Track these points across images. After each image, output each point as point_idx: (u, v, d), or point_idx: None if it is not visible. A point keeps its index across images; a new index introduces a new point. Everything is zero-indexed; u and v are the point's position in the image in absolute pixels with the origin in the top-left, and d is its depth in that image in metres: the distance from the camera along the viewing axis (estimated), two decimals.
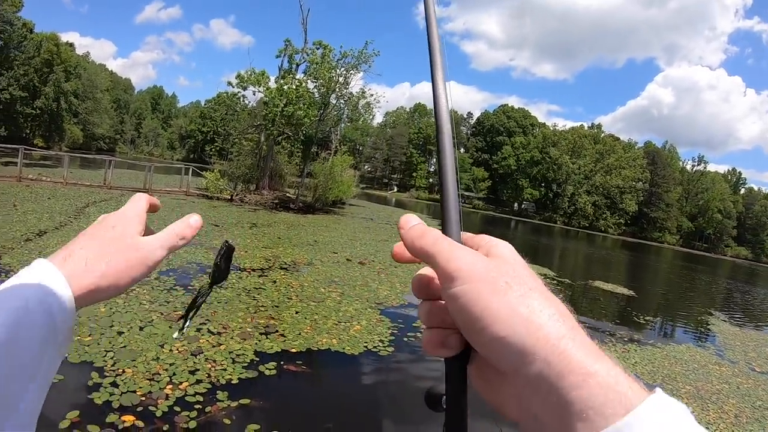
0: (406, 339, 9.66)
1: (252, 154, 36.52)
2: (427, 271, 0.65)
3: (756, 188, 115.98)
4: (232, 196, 32.57)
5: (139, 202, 0.84)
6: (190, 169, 33.64)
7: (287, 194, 35.95)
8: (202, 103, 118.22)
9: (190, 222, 0.84)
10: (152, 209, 0.87)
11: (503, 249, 0.60)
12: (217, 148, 61.88)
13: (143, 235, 0.80)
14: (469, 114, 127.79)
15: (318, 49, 34.82)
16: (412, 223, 0.65)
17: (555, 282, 20.64)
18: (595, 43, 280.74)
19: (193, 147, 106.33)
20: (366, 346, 8.86)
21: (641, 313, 17.21)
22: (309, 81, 35.23)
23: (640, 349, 11.95)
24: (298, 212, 32.00)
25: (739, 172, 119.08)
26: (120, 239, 0.77)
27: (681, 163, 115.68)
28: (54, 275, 0.68)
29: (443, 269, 0.56)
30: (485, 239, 0.64)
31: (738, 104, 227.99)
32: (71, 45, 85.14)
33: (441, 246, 0.58)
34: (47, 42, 68.88)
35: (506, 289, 0.52)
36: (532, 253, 34.22)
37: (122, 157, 75.80)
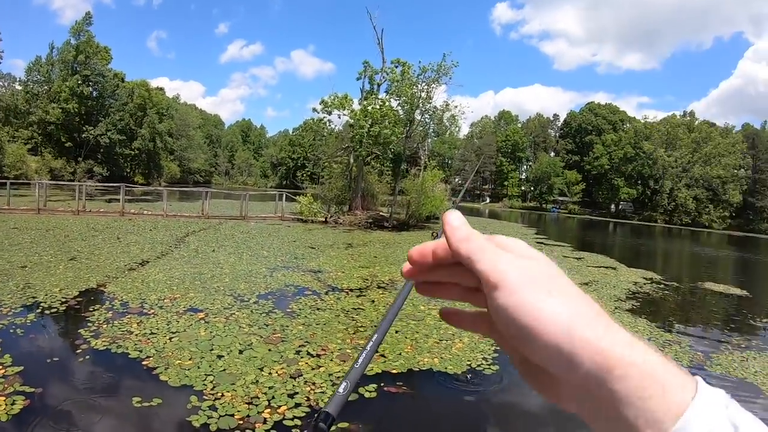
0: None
1: (342, 176, 37.02)
2: (438, 246, 0.63)
3: None
4: (326, 218, 33.03)
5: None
6: (284, 195, 34.45)
7: (380, 213, 36.13)
8: (290, 132, 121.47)
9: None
10: None
11: (529, 250, 0.60)
12: (308, 173, 63.15)
13: None
14: (555, 116, 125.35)
15: (397, 67, 35.07)
16: (456, 223, 0.61)
17: (662, 285, 19.67)
18: (677, 26, 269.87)
19: (285, 174, 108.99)
20: (469, 365, 8.63)
21: (757, 314, 15.88)
22: (392, 99, 35.53)
23: (760, 356, 10.90)
24: (393, 230, 32.10)
25: None
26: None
27: None
28: None
29: (488, 276, 0.55)
30: (502, 240, 0.62)
31: None
32: (161, 89, 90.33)
33: (486, 252, 0.58)
34: (138, 88, 73.69)
35: (549, 298, 0.53)
36: (635, 257, 33.08)
37: (218, 188, 78.61)
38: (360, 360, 0.55)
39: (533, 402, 7.63)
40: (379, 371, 8.02)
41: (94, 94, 67.00)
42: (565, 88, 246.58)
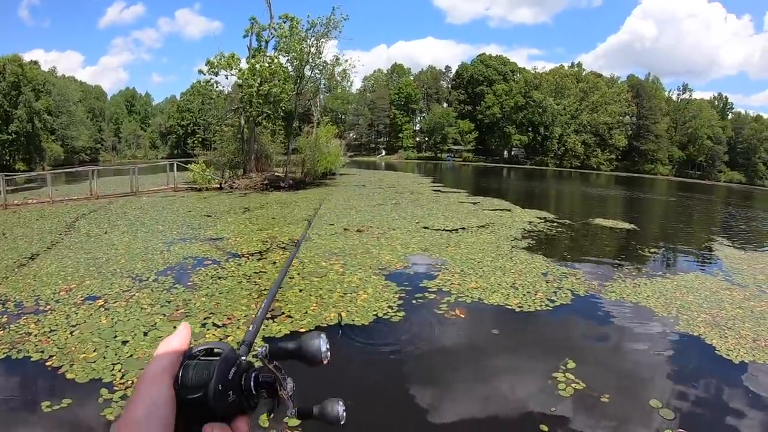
0: (414, 302, 9.48)
1: (234, 140, 36.10)
2: None
3: (744, 112, 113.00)
4: (220, 184, 32.25)
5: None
6: (174, 165, 33.35)
7: (276, 174, 35.51)
8: (178, 97, 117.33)
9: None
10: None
11: None
12: (200, 140, 61.36)
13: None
14: (447, 68, 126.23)
15: (285, 22, 34.16)
16: None
17: (555, 224, 20.46)
18: None
19: (175, 142, 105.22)
20: (375, 315, 8.66)
21: (645, 245, 17.07)
22: (280, 56, 34.73)
23: (650, 282, 11.79)
24: (290, 190, 31.71)
25: (726, 97, 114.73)
26: None
27: (666, 93, 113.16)
28: None
29: None
30: None
31: (719, 31, 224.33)
32: (36, 63, 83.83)
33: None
34: (10, 64, 67.73)
35: None
36: (529, 199, 34.09)
37: (106, 164, 75.37)
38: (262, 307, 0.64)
39: (442, 345, 7.68)
40: (287, 331, 7.94)
41: None
42: (458, 41, 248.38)
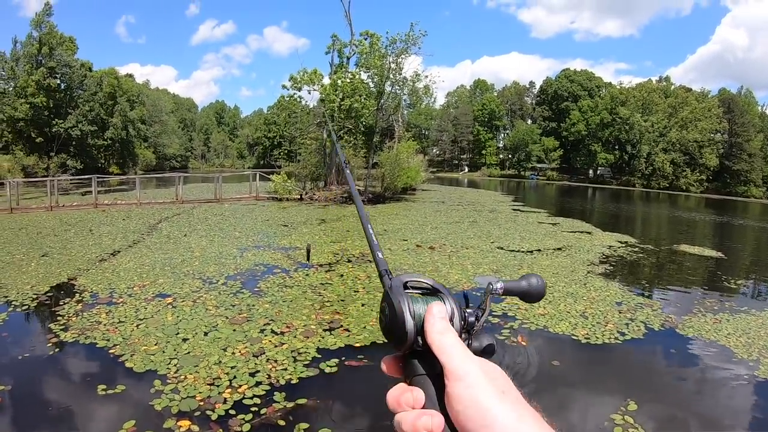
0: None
1: (317, 153, 36.78)
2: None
3: None
4: (301, 195, 32.81)
5: None
6: (257, 175, 34.20)
7: (357, 187, 35.66)
8: (265, 111, 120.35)
9: None
10: None
11: (494, 368, 0.69)
12: (285, 152, 62.54)
13: None
14: (531, 83, 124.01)
15: (366, 39, 34.85)
16: (438, 316, 0.71)
17: (636, 249, 19.65)
18: None
19: (261, 153, 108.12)
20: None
21: (732, 276, 15.79)
22: (361, 72, 35.30)
23: (733, 318, 10.77)
24: (368, 203, 31.97)
25: None
26: None
27: (759, 108, 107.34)
28: None
29: (454, 369, 0.65)
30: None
31: None
32: (131, 76, 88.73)
33: (456, 348, 0.68)
34: (107, 77, 71.58)
35: (502, 396, 0.63)
36: (612, 221, 33.08)
37: (194, 172, 78.09)
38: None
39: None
40: (342, 345, 7.98)
41: (62, 86, 64.69)
42: (542, 55, 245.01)
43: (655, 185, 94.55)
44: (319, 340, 8.08)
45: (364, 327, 8.72)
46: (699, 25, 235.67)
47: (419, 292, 0.79)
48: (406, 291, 0.77)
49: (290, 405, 6.11)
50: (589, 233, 22.84)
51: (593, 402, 7.05)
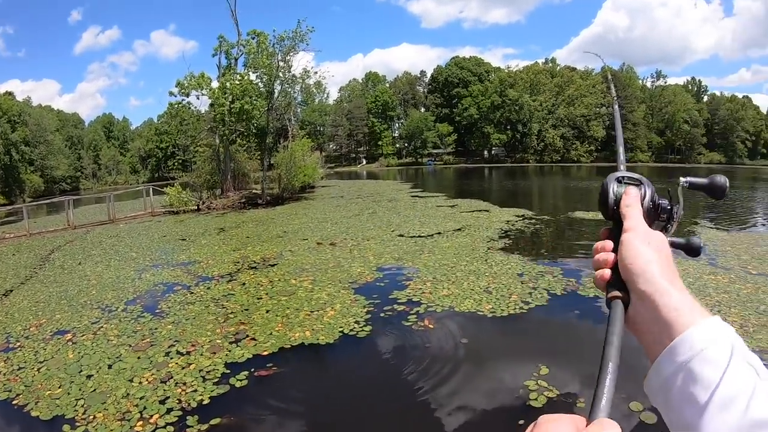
0: (383, 315, 9.32)
1: (210, 160, 36.04)
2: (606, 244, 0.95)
3: (719, 93, 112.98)
4: (198, 205, 32.02)
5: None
6: (150, 189, 33.08)
7: (254, 191, 35.36)
8: (156, 120, 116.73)
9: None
10: None
11: (657, 234, 0.93)
12: (179, 162, 61.08)
13: None
14: (422, 72, 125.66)
15: (253, 38, 34.37)
16: (630, 194, 0.99)
17: (533, 220, 20.34)
18: None
19: (155, 166, 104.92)
20: (342, 331, 8.55)
21: None
22: (250, 73, 34.86)
23: None
24: (267, 206, 31.66)
25: (699, 81, 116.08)
26: None
27: (641, 81, 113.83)
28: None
29: (627, 225, 0.92)
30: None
31: (690, 17, 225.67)
32: (11, 94, 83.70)
33: (634, 214, 0.94)
34: None
35: (648, 245, 0.87)
36: (509, 197, 33.95)
37: (87, 192, 74.81)
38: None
39: (406, 358, 7.57)
40: (250, 356, 7.84)
41: None
42: (432, 45, 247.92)
43: (548, 159, 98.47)
44: (227, 354, 7.89)
45: (270, 333, 8.60)
46: (582, 9, 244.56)
47: (628, 181, 1.04)
48: (617, 180, 1.05)
49: (204, 428, 5.96)
50: (488, 211, 23.48)
51: (506, 372, 7.18)
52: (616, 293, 0.86)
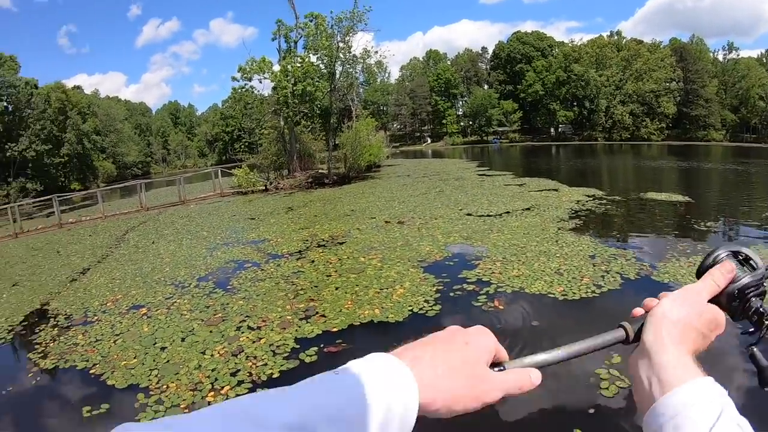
0: (452, 294, 9.16)
1: (276, 141, 36.52)
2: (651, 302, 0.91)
3: None
4: (266, 186, 32.53)
5: (490, 337, 0.81)
6: (219, 171, 33.84)
7: (320, 171, 35.71)
8: (220, 105, 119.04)
9: (531, 377, 0.81)
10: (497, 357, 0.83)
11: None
12: (245, 144, 62.15)
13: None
14: (484, 49, 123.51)
15: (311, 21, 34.47)
16: (725, 268, 0.92)
17: (604, 201, 19.65)
18: None
19: (222, 149, 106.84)
20: (411, 310, 8.49)
21: (701, 219, 15.53)
22: (310, 55, 35.13)
23: None
24: (334, 186, 31.87)
25: None
26: (473, 364, 0.74)
27: (711, 54, 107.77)
28: (409, 381, 0.67)
29: (693, 285, 0.90)
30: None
31: None
32: (79, 87, 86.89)
33: (708, 279, 0.90)
34: (54, 92, 69.79)
35: (682, 305, 0.85)
36: (578, 176, 33.18)
37: (157, 176, 77.15)
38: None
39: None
40: (320, 332, 7.91)
41: (9, 108, 64.02)
42: (492, 20, 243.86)
43: (617, 137, 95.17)
44: (296, 330, 7.99)
45: (340, 311, 8.64)
46: None
47: (740, 258, 0.94)
48: (732, 253, 0.95)
49: None
50: (556, 190, 22.84)
51: (577, 359, 6.91)
52: (626, 324, 0.89)
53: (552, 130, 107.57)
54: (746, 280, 0.88)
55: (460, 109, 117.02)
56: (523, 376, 0.79)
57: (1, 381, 7.65)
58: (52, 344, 8.68)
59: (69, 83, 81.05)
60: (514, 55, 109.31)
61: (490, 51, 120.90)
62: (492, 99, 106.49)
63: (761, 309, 0.88)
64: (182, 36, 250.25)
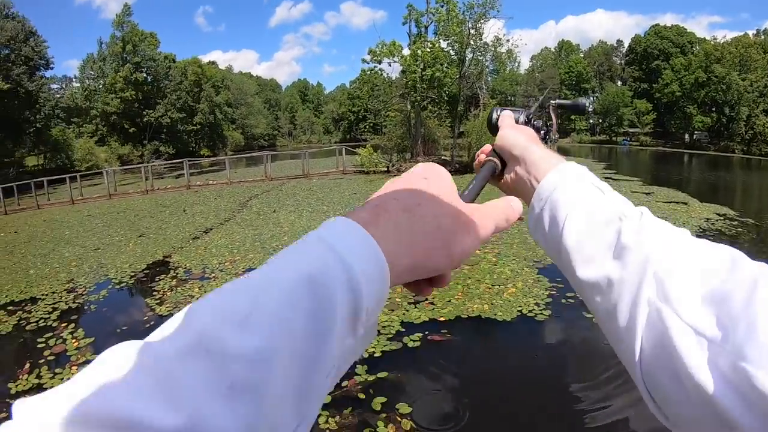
0: (564, 301, 8.84)
1: (402, 124, 36.91)
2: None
3: None
4: (387, 167, 32.83)
5: (446, 171, 0.67)
6: (343, 149, 34.67)
7: (443, 157, 35.69)
8: (348, 86, 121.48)
9: (513, 205, 0.67)
10: None
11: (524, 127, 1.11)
12: (370, 125, 63.02)
13: None
14: (619, 42, 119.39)
15: (442, 6, 34.35)
16: (505, 114, 1.18)
17: (735, 222, 18.12)
18: None
19: (347, 128, 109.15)
20: (520, 311, 8.36)
21: None
22: (441, 40, 35.14)
23: None
24: (456, 173, 31.64)
25: None
26: (446, 193, 0.58)
27: None
28: (359, 235, 0.49)
29: (500, 131, 1.04)
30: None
31: None
32: (214, 63, 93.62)
33: (506, 122, 1.10)
34: (191, 66, 75.73)
35: (518, 131, 1.01)
36: (708, 191, 31.30)
37: (282, 149, 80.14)
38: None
39: (583, 352, 7.26)
40: (426, 319, 8.00)
41: (149, 79, 68.97)
42: (630, 11, 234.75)
43: (756, 151, 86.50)
44: (404, 314, 8.14)
45: (449, 301, 8.67)
46: None
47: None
48: (500, 106, 1.21)
49: (371, 378, 6.21)
50: (686, 204, 21.77)
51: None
52: (489, 158, 1.02)
53: (686, 136, 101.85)
54: (522, 115, 1.23)
55: (591, 106, 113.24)
56: (506, 202, 0.66)
57: (118, 320, 8.43)
58: (169, 293, 9.41)
59: (204, 59, 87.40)
60: (651, 51, 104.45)
61: (626, 44, 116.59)
62: (625, 97, 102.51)
63: (536, 124, 1.23)
64: (313, 17, 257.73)
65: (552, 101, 1.32)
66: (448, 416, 5.79)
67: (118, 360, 0.39)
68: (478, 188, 0.89)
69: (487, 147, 1.08)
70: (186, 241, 13.95)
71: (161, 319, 7.93)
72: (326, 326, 0.44)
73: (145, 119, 66.80)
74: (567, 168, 0.87)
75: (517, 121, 1.15)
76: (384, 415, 5.55)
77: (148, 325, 7.91)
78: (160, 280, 10.31)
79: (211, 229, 15.40)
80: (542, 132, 1.23)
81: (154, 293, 9.48)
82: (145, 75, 67.82)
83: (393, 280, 0.50)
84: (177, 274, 10.66)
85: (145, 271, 11.08)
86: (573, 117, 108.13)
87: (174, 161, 38.49)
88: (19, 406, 0.36)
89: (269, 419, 0.40)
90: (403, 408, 5.68)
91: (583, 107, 1.39)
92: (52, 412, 0.34)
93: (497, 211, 0.64)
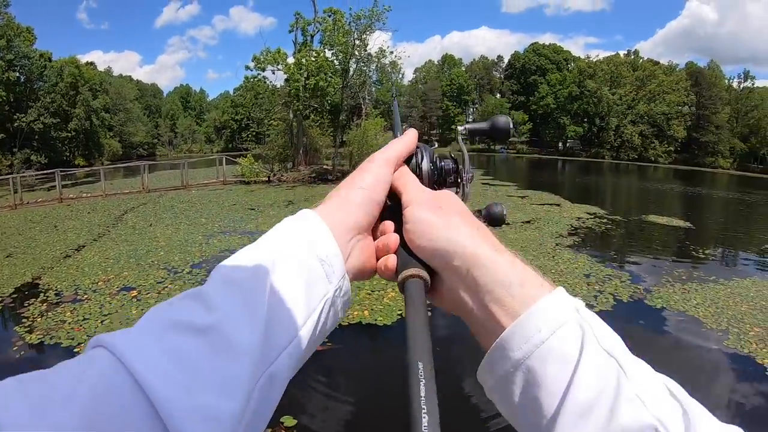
0: None
1: (284, 133, 36.63)
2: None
3: None
4: (269, 177, 32.59)
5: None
6: (224, 159, 33.87)
7: (325, 167, 35.77)
8: (232, 93, 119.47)
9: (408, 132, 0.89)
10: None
11: (444, 191, 0.80)
12: (253, 134, 62.30)
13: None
14: (500, 57, 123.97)
15: (329, 16, 34.56)
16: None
17: (605, 220, 19.67)
18: None
19: (229, 137, 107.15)
20: (400, 314, 8.34)
21: (700, 245, 15.63)
22: (326, 50, 35.16)
23: (702, 287, 10.70)
24: (337, 182, 31.18)
25: None
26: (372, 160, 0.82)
27: (726, 81, 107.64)
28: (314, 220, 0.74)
29: (404, 199, 0.74)
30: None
31: None
32: (92, 64, 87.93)
33: (406, 181, 0.79)
34: (67, 66, 70.03)
35: (439, 210, 0.69)
36: (582, 193, 33.09)
37: (163, 158, 77.59)
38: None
39: (463, 347, 7.35)
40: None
41: (21, 78, 63.68)
42: (512, 30, 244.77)
43: (624, 157, 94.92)
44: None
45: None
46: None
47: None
48: None
49: None
50: (558, 205, 22.92)
51: None
52: (413, 271, 0.66)
53: (560, 144, 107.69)
54: (426, 155, 0.90)
55: (471, 116, 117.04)
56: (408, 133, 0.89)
57: None
58: (39, 319, 8.68)
59: (83, 59, 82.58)
60: (529, 66, 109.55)
61: (506, 60, 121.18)
62: (503, 108, 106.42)
63: (444, 165, 0.91)
64: (201, 20, 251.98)
65: (460, 127, 0.96)
66: (335, 423, 5.76)
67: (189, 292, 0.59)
68: (424, 336, 0.57)
69: (383, 226, 0.77)
70: (57, 260, 13.04)
71: (32, 349, 7.56)
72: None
73: (16, 124, 61.62)
74: (556, 309, 0.57)
75: (418, 166, 0.87)
76: (269, 430, 5.35)
77: (18, 356, 7.34)
78: (29, 305, 9.48)
79: (83, 246, 14.54)
80: (452, 175, 0.92)
81: (23, 320, 8.71)
82: (18, 74, 62.55)
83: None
84: (47, 297, 9.86)
85: (14, 296, 10.15)
86: (452, 126, 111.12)
87: (46, 171, 36.38)
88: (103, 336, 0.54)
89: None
90: (288, 420, 5.57)
91: (505, 129, 0.93)
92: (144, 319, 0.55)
93: (399, 144, 0.85)
